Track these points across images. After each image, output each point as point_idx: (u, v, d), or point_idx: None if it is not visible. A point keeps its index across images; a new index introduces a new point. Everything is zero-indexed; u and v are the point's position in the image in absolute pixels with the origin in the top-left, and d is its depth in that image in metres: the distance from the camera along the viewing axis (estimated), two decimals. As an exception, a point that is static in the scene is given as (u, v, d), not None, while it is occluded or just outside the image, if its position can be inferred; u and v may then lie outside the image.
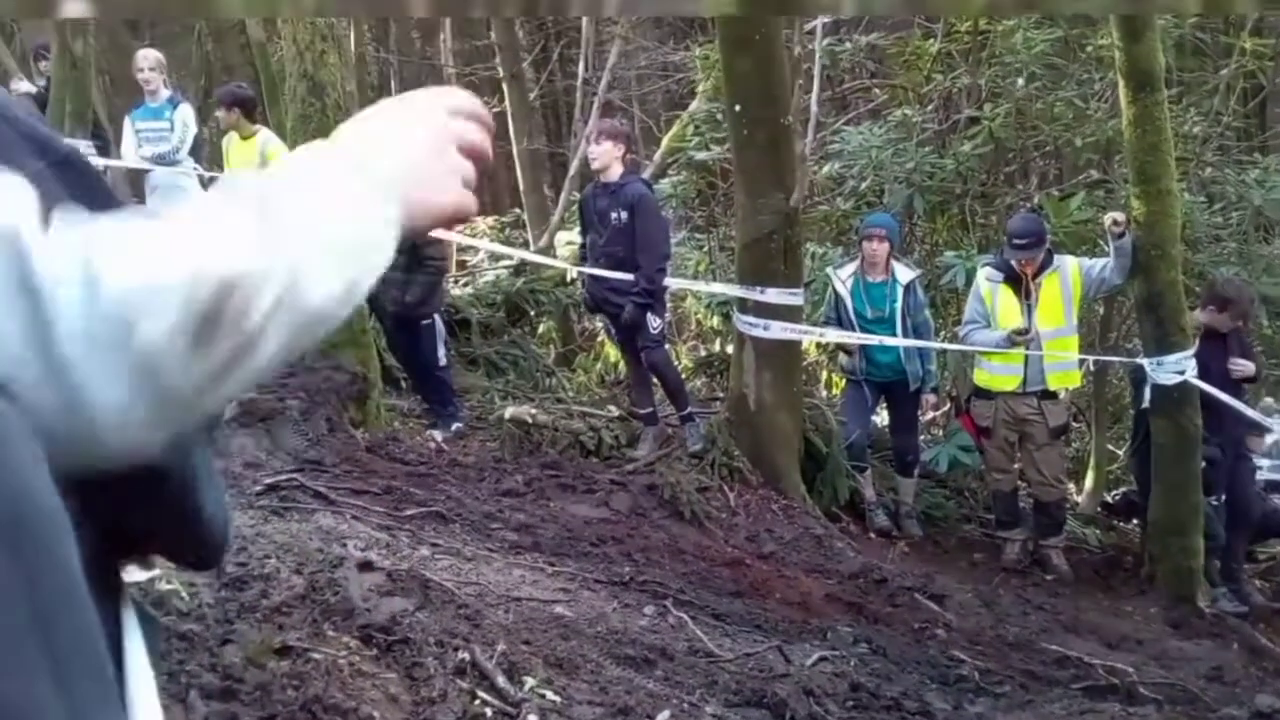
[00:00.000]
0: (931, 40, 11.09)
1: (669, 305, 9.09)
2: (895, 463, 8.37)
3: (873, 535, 7.87)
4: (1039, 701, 5.09)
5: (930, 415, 10.20)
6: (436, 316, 7.71)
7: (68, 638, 0.78)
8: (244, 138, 8.33)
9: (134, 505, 0.99)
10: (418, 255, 7.43)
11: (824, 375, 10.92)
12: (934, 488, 8.86)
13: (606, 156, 7.32)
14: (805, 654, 4.90)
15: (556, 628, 4.41)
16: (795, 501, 7.41)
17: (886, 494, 8.35)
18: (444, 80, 18.44)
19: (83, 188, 1.07)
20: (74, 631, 0.79)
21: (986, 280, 7.69)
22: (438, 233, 7.92)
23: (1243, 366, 7.47)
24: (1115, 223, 7.16)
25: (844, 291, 8.02)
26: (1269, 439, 8.20)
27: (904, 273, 8.05)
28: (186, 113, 8.16)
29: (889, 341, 7.88)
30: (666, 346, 8.06)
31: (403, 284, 7.45)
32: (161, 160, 7.92)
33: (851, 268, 8.09)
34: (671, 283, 7.61)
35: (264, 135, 8.35)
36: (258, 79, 10.71)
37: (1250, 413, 7.49)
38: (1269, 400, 9.22)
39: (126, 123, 8.63)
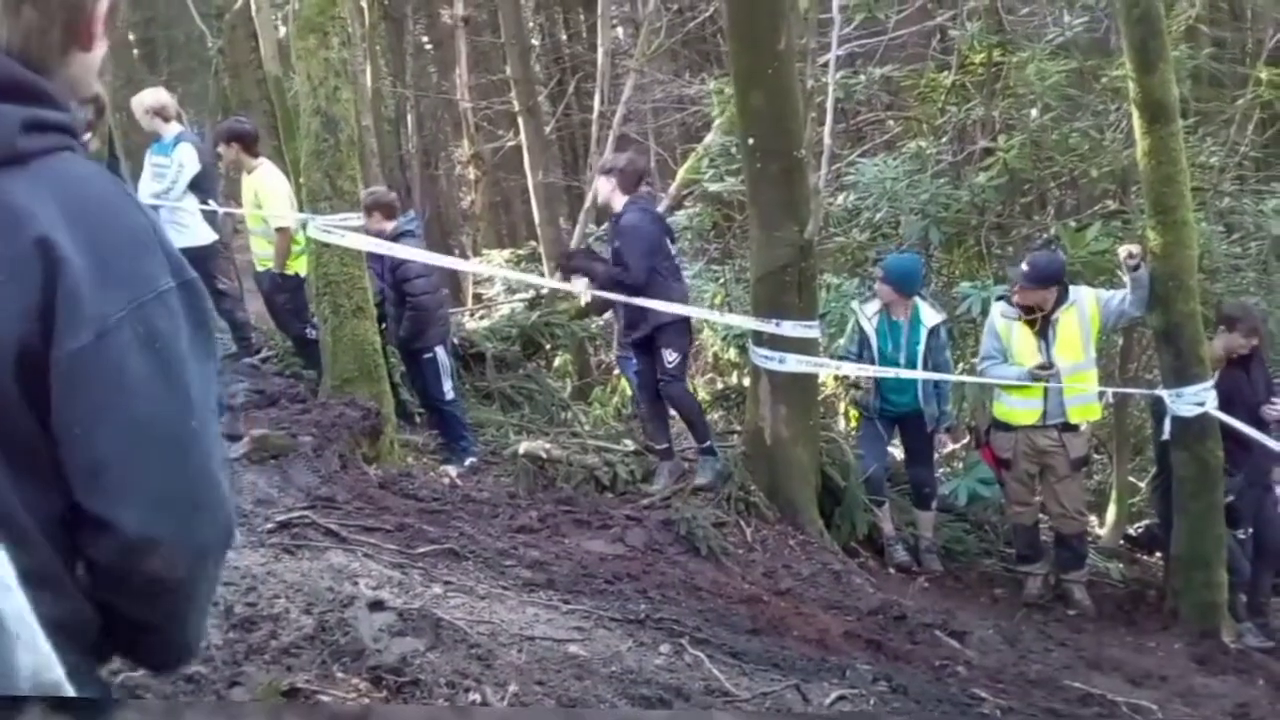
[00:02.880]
0: (946, 72, 11.08)
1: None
2: (912, 495, 8.30)
3: (892, 570, 7.78)
4: (1062, 740, 5.02)
5: (950, 448, 10.13)
6: (439, 350, 7.74)
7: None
8: (248, 173, 8.31)
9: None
10: (400, 291, 7.56)
11: (841, 408, 10.84)
12: (953, 521, 8.77)
13: (603, 193, 7.51)
14: (823, 693, 4.84)
15: (570, 667, 4.36)
16: (813, 536, 7.34)
17: (905, 528, 8.26)
18: (460, 114, 18.56)
19: (194, 312, 1.46)
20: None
21: (1002, 317, 7.62)
22: (452, 264, 7.94)
23: (1277, 411, 7.41)
24: (1130, 255, 7.11)
25: (870, 330, 7.97)
26: None
27: (929, 315, 7.99)
28: (184, 151, 8.12)
29: (905, 374, 7.81)
30: (685, 380, 8.03)
31: (395, 319, 7.63)
32: (157, 197, 7.93)
33: (877, 304, 8.04)
34: (687, 311, 7.57)
35: (259, 173, 8.27)
36: (274, 114, 10.76)
37: (1272, 443, 7.39)
38: None
39: (146, 158, 8.67)
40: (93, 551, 1.42)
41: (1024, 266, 7.50)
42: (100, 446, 1.38)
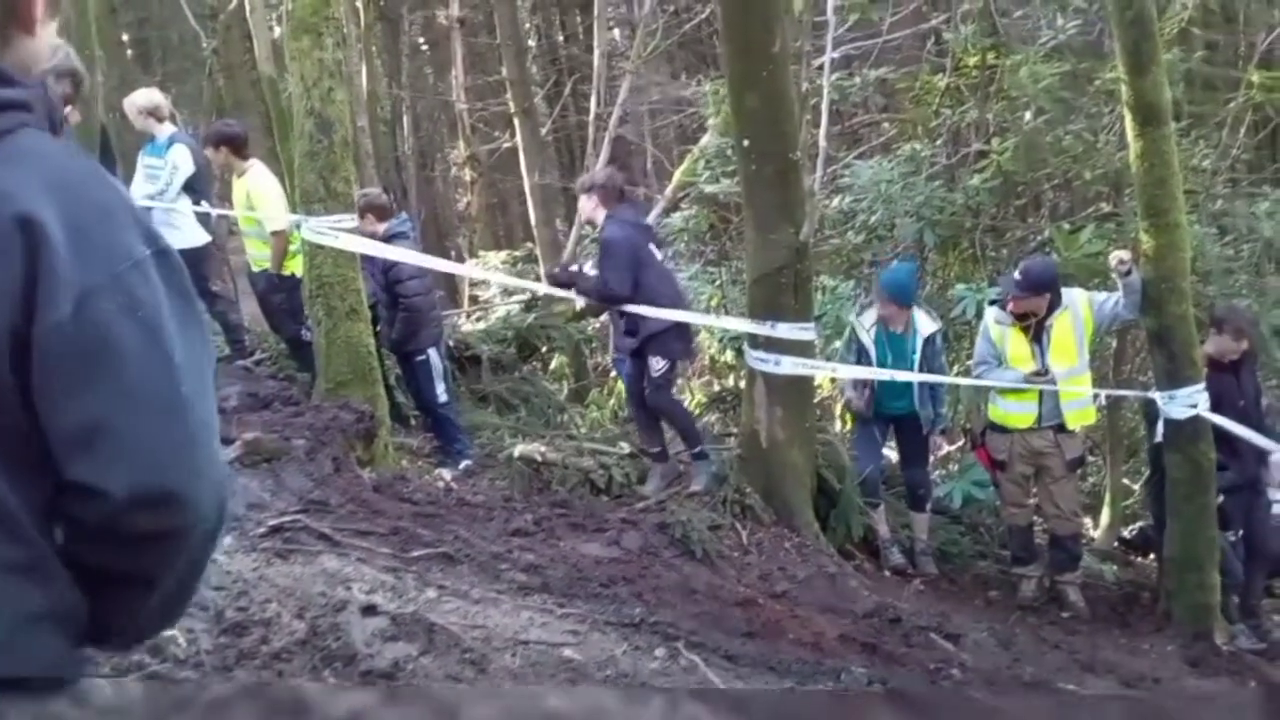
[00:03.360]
0: (940, 75, 11.10)
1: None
2: (907, 498, 8.31)
3: (887, 573, 7.79)
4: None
5: (945, 450, 10.14)
6: (431, 352, 7.74)
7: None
8: (238, 175, 8.29)
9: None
10: (392, 293, 7.57)
11: (837, 410, 10.85)
12: (949, 524, 8.78)
13: (584, 210, 7.65)
14: (817, 696, 4.83)
15: (564, 671, 4.35)
16: (808, 539, 7.33)
17: (900, 531, 8.27)
18: (456, 115, 18.56)
19: (173, 280, 1.47)
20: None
21: (996, 322, 7.63)
22: (447, 268, 7.94)
23: None
24: (1120, 262, 7.13)
25: (867, 341, 7.99)
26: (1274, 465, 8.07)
27: (925, 324, 8.00)
28: (178, 153, 8.09)
29: (900, 376, 7.82)
30: (674, 389, 8.06)
31: (389, 321, 7.64)
32: (151, 199, 7.90)
33: (874, 315, 8.04)
34: (683, 317, 7.58)
35: (251, 175, 8.23)
36: (268, 115, 10.75)
37: (1260, 440, 7.40)
38: None
39: (139, 159, 8.65)
40: (79, 513, 1.41)
41: (1017, 275, 7.49)
42: (88, 413, 1.38)
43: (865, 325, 8.03)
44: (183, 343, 1.45)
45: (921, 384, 7.94)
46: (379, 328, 7.66)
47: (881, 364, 7.91)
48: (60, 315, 1.35)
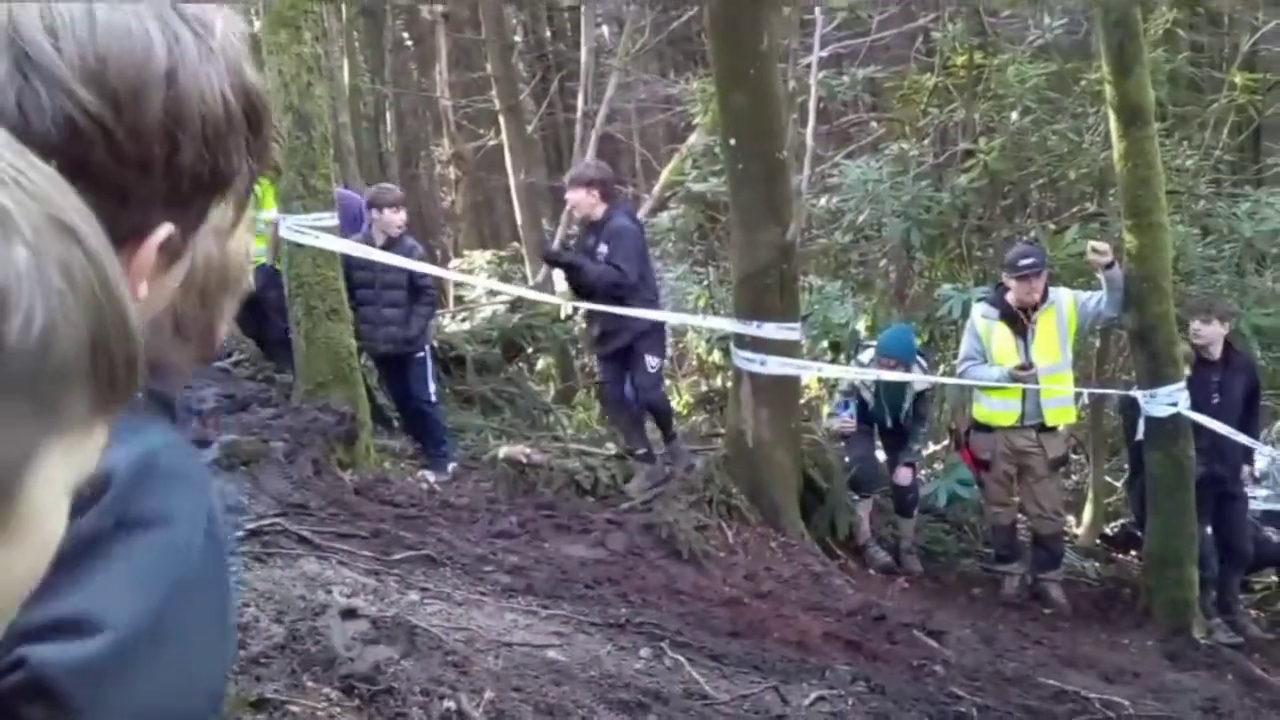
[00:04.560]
0: (928, 74, 11.11)
1: (670, 341, 9.10)
2: (894, 501, 8.33)
3: (872, 571, 7.81)
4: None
5: (931, 449, 10.17)
6: (428, 349, 7.72)
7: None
8: None
9: None
10: (414, 286, 7.51)
11: (824, 410, 10.88)
12: (933, 523, 8.83)
13: (583, 204, 7.45)
14: (803, 694, 4.86)
15: (548, 673, 4.36)
16: (794, 539, 7.35)
17: (885, 529, 8.30)
18: (440, 112, 18.50)
19: None
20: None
21: (983, 318, 7.67)
22: (425, 269, 7.91)
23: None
24: (1096, 251, 7.19)
25: (867, 396, 8.16)
26: (1259, 463, 8.13)
27: (918, 376, 8.14)
28: None
29: (887, 376, 7.85)
30: (663, 387, 8.08)
31: (404, 319, 7.53)
32: None
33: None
34: (669, 318, 7.60)
35: None
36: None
37: (1242, 437, 7.44)
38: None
39: None
40: None
41: (1025, 260, 7.51)
42: None
43: (867, 382, 8.16)
44: None
45: (912, 421, 8.21)
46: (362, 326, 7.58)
47: (877, 415, 8.18)
48: None
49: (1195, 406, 7.27)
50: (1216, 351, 7.58)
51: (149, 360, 0.95)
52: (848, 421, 8.13)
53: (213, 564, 0.99)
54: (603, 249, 7.28)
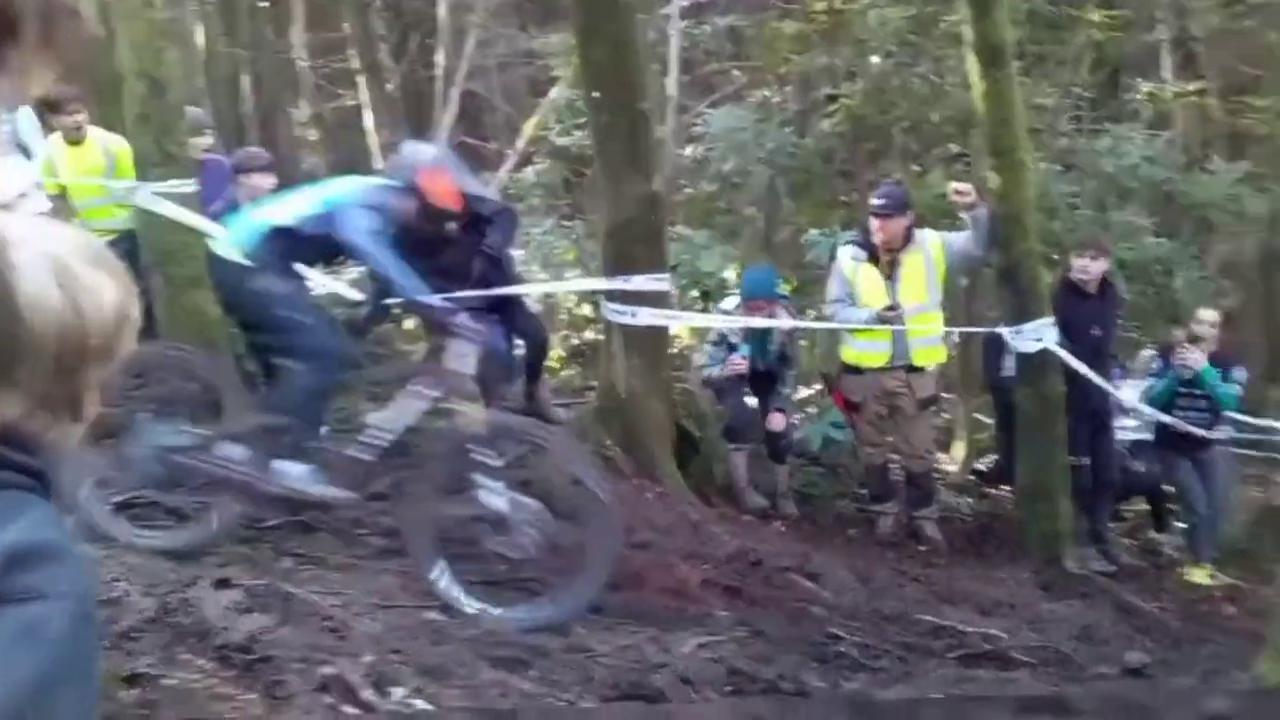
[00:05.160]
0: (789, 21, 11.13)
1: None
2: (768, 447, 8.36)
3: (748, 517, 7.85)
4: (916, 673, 5.14)
5: (803, 394, 10.26)
6: None
7: None
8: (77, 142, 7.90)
9: None
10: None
11: (695, 360, 10.92)
12: (808, 466, 8.91)
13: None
14: (683, 642, 4.88)
15: (427, 633, 4.31)
16: (669, 488, 7.35)
17: (761, 475, 8.36)
18: (297, 74, 18.04)
19: None
20: None
21: (851, 259, 7.73)
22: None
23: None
24: (958, 192, 7.29)
25: (736, 341, 8.15)
26: (1123, 394, 8.34)
27: (786, 320, 8.11)
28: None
29: (757, 323, 7.87)
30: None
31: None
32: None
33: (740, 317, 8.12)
34: (531, 288, 7.49)
35: (99, 133, 7.91)
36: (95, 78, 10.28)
37: (1101, 381, 7.61)
38: (1148, 353, 9.32)
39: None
40: None
41: (878, 201, 7.61)
42: None
43: (737, 329, 8.14)
44: None
45: (780, 365, 8.21)
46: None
47: (750, 358, 8.12)
48: None
49: (1074, 339, 7.41)
50: (1094, 287, 7.77)
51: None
52: (739, 363, 8.10)
53: (84, 648, 0.99)
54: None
